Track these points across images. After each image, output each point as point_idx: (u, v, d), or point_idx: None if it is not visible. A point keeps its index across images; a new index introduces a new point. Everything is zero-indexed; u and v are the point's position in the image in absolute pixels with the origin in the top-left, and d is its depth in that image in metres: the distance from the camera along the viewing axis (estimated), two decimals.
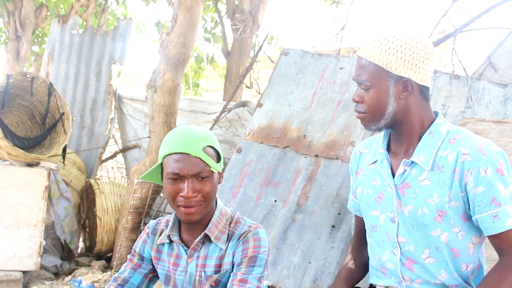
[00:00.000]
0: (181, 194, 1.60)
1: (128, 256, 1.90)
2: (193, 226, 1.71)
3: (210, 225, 1.69)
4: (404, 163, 1.69)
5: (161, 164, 1.68)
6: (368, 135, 2.89)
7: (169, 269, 1.77)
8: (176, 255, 1.76)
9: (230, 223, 1.74)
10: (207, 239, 1.71)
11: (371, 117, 1.69)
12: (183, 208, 1.61)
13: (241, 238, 1.69)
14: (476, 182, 1.56)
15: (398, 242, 1.70)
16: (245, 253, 1.65)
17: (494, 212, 1.54)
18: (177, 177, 1.60)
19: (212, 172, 1.63)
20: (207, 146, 1.64)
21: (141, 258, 1.85)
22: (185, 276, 1.73)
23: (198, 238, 1.70)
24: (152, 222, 1.89)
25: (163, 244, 1.80)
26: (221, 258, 1.70)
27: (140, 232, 1.97)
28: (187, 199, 1.60)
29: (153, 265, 1.84)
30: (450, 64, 3.46)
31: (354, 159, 1.94)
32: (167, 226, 1.82)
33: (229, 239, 1.71)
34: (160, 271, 1.81)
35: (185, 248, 1.74)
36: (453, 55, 3.49)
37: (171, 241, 1.78)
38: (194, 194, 1.60)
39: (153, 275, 1.86)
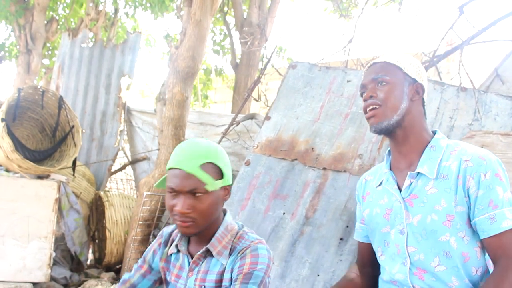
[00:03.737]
0: (174, 208, 1.60)
1: (139, 261, 1.90)
2: (199, 239, 1.72)
3: (213, 240, 1.68)
4: (410, 175, 1.76)
5: None
6: (375, 148, 2.90)
7: (172, 279, 1.79)
8: (180, 266, 1.77)
9: (234, 238, 1.71)
10: (209, 253, 1.70)
11: (385, 110, 1.78)
12: (178, 222, 1.62)
13: (239, 254, 1.66)
14: (477, 186, 1.63)
15: (407, 252, 1.73)
16: (241, 269, 1.62)
17: (491, 214, 1.60)
18: (173, 192, 1.60)
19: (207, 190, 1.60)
20: (207, 162, 1.61)
21: (150, 266, 1.87)
22: None
23: (199, 252, 1.69)
24: (166, 231, 1.88)
25: (172, 254, 1.81)
26: (222, 273, 1.67)
27: (149, 244, 1.98)
28: (181, 215, 1.59)
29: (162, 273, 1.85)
30: (457, 77, 3.47)
31: (360, 186, 2.03)
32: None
33: (230, 254, 1.68)
34: (168, 279, 1.81)
35: (190, 260, 1.74)
36: (460, 68, 3.50)
37: (178, 251, 1.78)
38: (188, 211, 1.58)
39: (162, 282, 1.88)
